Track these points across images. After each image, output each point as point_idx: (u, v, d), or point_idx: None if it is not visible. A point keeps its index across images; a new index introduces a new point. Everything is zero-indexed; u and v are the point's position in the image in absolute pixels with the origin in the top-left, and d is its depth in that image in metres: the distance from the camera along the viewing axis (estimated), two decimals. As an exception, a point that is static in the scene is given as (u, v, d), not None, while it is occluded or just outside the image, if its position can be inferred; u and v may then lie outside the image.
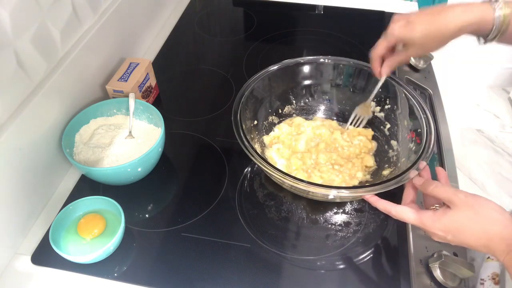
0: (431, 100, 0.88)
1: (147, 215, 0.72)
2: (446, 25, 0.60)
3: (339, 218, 0.70)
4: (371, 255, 0.65)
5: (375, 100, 0.79)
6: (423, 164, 0.61)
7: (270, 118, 0.82)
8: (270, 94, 0.81)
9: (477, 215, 0.48)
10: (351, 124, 0.81)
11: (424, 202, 0.58)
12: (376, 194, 0.60)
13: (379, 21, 1.14)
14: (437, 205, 0.54)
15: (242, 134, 0.66)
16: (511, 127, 2.05)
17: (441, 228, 0.50)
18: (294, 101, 0.84)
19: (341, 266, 0.64)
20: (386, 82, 0.73)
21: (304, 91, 0.84)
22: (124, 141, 0.75)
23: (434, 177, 0.60)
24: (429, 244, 0.64)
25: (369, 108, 0.80)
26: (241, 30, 1.16)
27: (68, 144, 0.72)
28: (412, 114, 0.72)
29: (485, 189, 1.78)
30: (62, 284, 0.63)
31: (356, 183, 0.73)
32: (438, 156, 0.77)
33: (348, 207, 0.71)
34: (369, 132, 0.80)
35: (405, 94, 0.74)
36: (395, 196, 0.72)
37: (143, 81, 0.84)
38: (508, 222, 0.48)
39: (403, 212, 0.54)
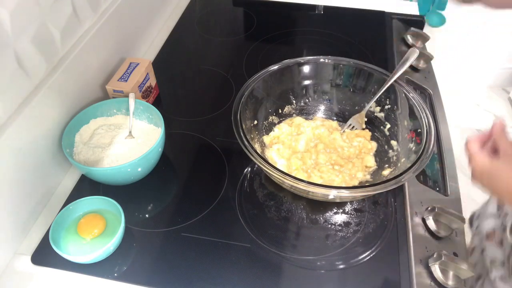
0: (431, 100, 0.88)
1: (147, 215, 0.72)
2: None
3: (339, 218, 0.70)
4: (371, 255, 0.65)
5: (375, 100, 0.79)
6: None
7: (270, 118, 0.82)
8: (270, 94, 0.80)
9: None
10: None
11: None
12: (376, 194, 0.59)
13: (379, 21, 1.14)
14: None
15: (242, 134, 0.66)
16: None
17: (481, 166, 0.53)
18: (294, 101, 0.84)
19: (341, 266, 0.64)
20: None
21: (304, 91, 0.84)
22: (124, 141, 0.75)
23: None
24: (429, 244, 0.64)
25: (362, 120, 0.81)
26: (241, 30, 1.16)
27: (68, 144, 0.72)
28: (412, 114, 0.72)
29: (485, 189, 1.77)
30: (62, 284, 0.63)
31: (356, 183, 0.73)
32: (438, 156, 0.77)
33: (348, 207, 0.71)
34: (367, 133, 0.80)
35: (405, 94, 0.74)
36: (394, 195, 0.72)
37: (143, 81, 0.84)
38: None
39: (472, 141, 0.56)
